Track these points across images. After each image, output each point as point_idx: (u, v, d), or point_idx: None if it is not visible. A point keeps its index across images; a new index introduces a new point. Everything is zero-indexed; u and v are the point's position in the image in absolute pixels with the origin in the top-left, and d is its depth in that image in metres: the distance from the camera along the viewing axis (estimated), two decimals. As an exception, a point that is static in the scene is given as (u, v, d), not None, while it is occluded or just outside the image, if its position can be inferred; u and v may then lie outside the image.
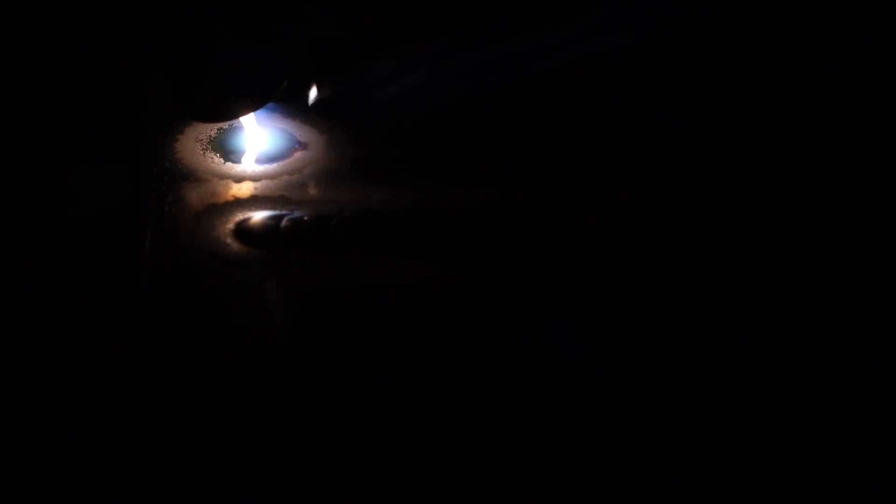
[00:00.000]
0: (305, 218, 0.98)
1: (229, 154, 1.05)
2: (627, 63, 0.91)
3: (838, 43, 0.87)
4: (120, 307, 1.00)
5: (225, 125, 1.04)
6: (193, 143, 1.04)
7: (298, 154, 1.02)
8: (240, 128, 1.04)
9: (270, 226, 0.99)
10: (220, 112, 0.98)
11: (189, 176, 1.04)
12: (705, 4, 0.89)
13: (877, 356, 0.89)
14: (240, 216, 1.02)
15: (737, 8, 0.89)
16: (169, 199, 1.03)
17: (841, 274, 0.91)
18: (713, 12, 0.88)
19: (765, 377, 0.92)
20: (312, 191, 1.00)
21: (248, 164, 1.04)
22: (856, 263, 0.90)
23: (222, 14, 0.91)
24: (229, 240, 1.02)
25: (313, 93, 0.99)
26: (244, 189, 1.03)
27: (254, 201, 1.03)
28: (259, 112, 0.98)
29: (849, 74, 0.89)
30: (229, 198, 1.03)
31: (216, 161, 1.04)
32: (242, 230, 1.00)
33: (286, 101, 1.00)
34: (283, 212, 1.00)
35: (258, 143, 1.03)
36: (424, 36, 0.93)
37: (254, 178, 1.04)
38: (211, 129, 1.04)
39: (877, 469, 0.87)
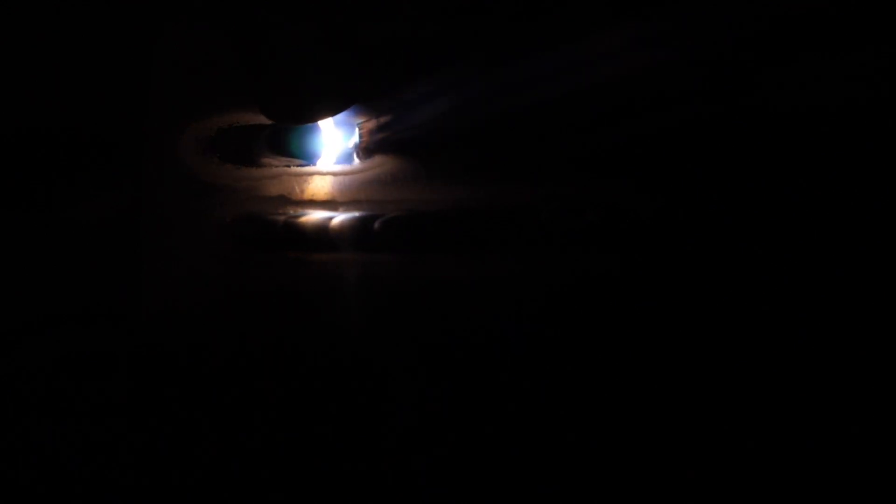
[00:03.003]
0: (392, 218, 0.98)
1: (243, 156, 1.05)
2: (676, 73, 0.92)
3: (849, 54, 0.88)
4: (120, 307, 1.00)
5: (226, 125, 1.04)
6: (195, 143, 1.04)
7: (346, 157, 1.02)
8: (251, 129, 1.04)
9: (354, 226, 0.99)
10: (300, 115, 0.98)
11: (191, 177, 1.03)
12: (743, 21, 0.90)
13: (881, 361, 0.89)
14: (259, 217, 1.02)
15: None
16: (171, 198, 1.03)
17: (844, 279, 0.91)
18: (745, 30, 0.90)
19: (767, 380, 0.92)
20: (362, 193, 1.01)
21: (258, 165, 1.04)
22: (857, 268, 0.90)
23: (303, 16, 0.92)
24: (234, 239, 1.02)
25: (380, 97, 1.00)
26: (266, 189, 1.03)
27: (257, 201, 1.03)
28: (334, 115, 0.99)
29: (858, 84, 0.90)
30: (240, 199, 1.03)
31: (218, 162, 1.04)
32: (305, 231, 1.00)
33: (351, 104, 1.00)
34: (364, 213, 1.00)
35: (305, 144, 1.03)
36: (489, 41, 0.94)
37: (254, 179, 1.04)
38: (212, 130, 1.04)
39: (877, 470, 0.87)
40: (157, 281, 1.01)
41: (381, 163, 1.00)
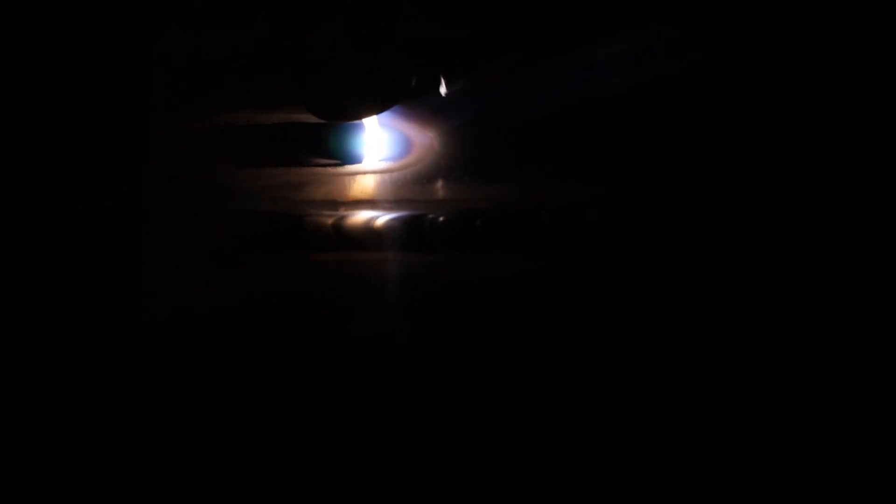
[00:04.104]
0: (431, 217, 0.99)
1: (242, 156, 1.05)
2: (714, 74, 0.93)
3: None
4: (120, 307, 1.00)
5: (228, 126, 1.04)
6: (198, 143, 1.04)
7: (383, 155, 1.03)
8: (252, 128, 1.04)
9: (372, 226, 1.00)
10: (347, 112, 1.00)
11: (192, 177, 1.03)
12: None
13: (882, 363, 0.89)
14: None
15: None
16: (171, 198, 1.03)
17: (844, 279, 0.91)
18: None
19: (767, 380, 0.92)
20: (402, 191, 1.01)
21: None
22: (857, 268, 0.91)
23: (348, 14, 0.93)
24: (235, 240, 1.02)
25: (428, 92, 1.00)
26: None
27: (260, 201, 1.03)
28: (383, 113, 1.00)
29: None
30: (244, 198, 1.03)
31: (219, 161, 1.04)
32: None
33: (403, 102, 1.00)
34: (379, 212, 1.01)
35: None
36: (532, 37, 0.95)
37: (256, 178, 1.04)
38: (213, 130, 1.04)
39: (877, 469, 0.87)
40: (157, 281, 1.01)
41: (397, 163, 1.01)
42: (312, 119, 1.00)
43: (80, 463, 0.95)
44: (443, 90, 0.96)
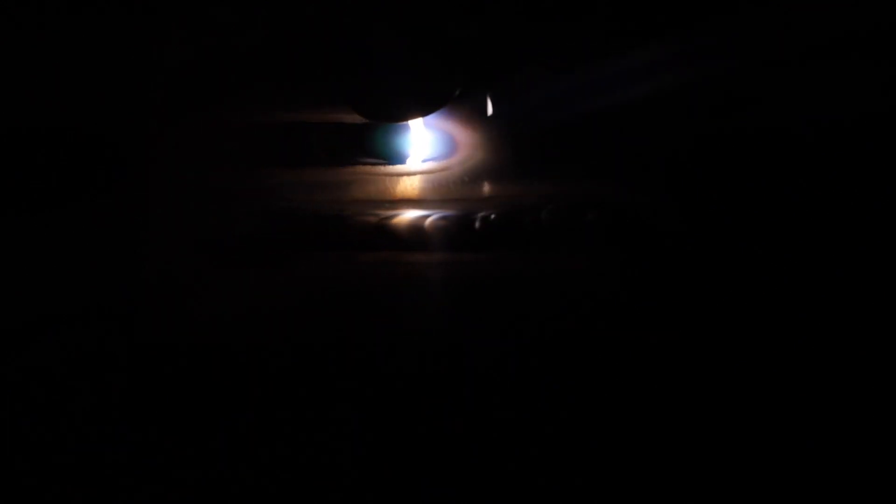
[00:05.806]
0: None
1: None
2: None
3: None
4: (120, 307, 1.00)
5: (267, 125, 1.04)
6: (200, 142, 1.04)
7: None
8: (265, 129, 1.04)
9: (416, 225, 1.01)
10: (393, 113, 1.01)
11: (193, 176, 1.03)
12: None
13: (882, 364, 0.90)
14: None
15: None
16: (172, 198, 1.03)
17: (844, 279, 0.91)
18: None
19: (767, 380, 0.92)
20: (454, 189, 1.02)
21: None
22: (857, 268, 0.91)
23: (397, 15, 0.94)
24: (236, 239, 1.02)
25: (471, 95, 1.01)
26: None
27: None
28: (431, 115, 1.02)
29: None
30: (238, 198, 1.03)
31: (219, 161, 1.04)
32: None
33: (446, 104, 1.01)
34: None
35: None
36: (576, 40, 0.96)
37: (257, 178, 1.04)
38: (213, 130, 1.04)
39: (877, 469, 0.87)
40: (158, 281, 1.01)
41: (437, 163, 1.02)
42: (358, 119, 1.01)
43: (81, 463, 0.95)
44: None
